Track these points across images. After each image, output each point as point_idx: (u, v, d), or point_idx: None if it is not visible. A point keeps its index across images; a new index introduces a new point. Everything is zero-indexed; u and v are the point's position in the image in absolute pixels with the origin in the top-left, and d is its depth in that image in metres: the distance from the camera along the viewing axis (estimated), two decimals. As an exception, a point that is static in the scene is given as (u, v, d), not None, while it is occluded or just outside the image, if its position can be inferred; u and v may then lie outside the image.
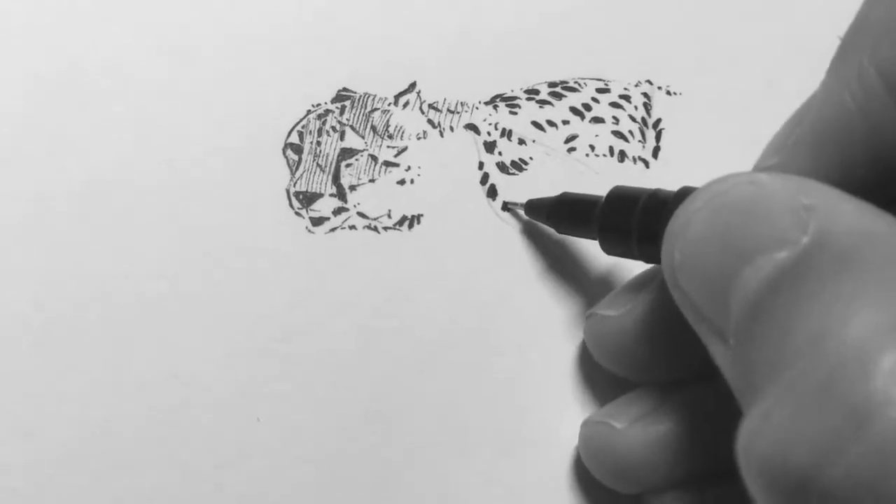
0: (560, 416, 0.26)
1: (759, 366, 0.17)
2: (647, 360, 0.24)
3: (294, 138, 0.28)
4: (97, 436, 0.24)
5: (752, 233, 0.18)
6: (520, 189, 0.28)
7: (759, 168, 0.23)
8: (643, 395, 0.24)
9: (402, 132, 0.29)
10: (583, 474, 0.26)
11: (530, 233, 0.28)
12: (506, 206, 0.28)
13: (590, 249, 0.28)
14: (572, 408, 0.27)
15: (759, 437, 0.16)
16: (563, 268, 0.28)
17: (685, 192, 0.22)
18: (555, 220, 0.26)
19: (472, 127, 0.29)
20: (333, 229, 0.27)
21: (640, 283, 0.25)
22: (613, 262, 0.28)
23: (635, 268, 0.26)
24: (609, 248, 0.24)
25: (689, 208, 0.20)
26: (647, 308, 0.24)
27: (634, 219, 0.23)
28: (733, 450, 0.22)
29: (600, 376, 0.26)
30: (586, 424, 0.25)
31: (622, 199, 0.24)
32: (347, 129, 0.28)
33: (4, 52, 0.28)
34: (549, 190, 0.27)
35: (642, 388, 0.25)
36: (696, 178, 0.29)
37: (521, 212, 0.28)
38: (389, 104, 0.29)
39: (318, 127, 0.28)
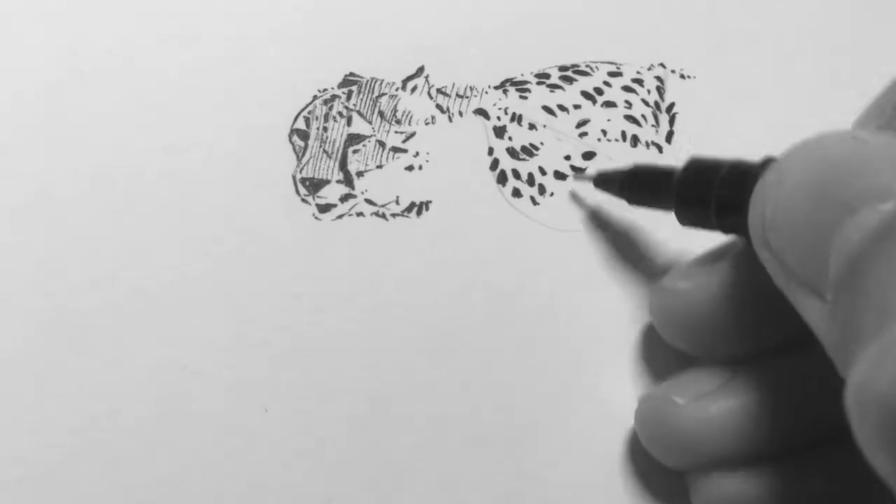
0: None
1: (864, 316, 0.17)
2: (716, 336, 0.24)
3: (300, 124, 0.28)
4: (104, 426, 0.24)
5: (854, 185, 0.18)
6: (528, 173, 0.28)
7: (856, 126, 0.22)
8: (706, 372, 0.24)
9: (410, 117, 0.28)
10: (634, 450, 0.25)
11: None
12: (575, 178, 0.28)
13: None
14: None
15: (876, 380, 0.16)
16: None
17: (770, 160, 0.21)
18: (629, 191, 0.26)
19: (481, 112, 0.28)
20: (341, 216, 0.27)
21: (712, 257, 0.24)
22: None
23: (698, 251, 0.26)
24: (685, 218, 0.24)
25: (783, 164, 0.20)
26: (720, 282, 0.23)
27: (715, 187, 0.22)
28: (800, 431, 0.22)
29: (660, 351, 0.26)
30: (646, 399, 0.25)
31: (701, 167, 0.23)
32: (354, 115, 0.28)
33: (6, 41, 0.27)
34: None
35: (705, 364, 0.24)
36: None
37: (590, 183, 0.27)
38: (397, 89, 0.28)
39: (324, 112, 0.28)
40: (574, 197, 0.28)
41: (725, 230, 0.23)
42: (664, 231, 0.27)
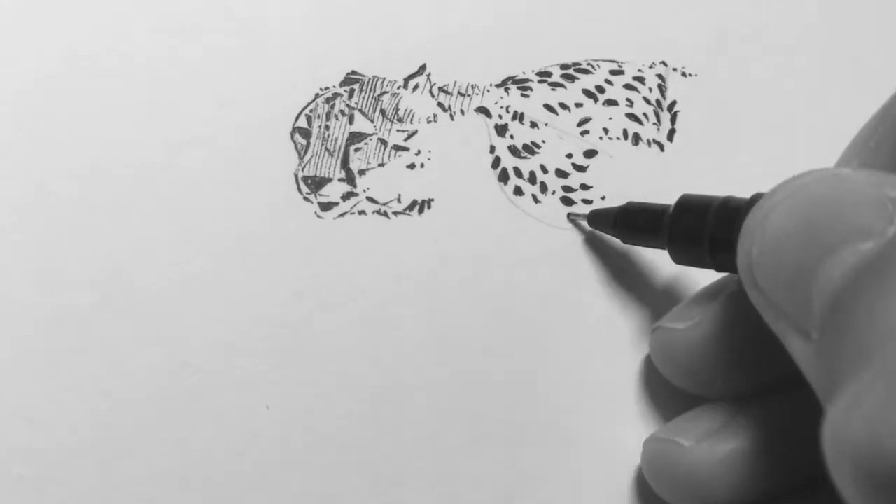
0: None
1: (844, 356, 0.17)
2: (715, 374, 0.24)
3: (302, 122, 0.28)
4: (105, 423, 0.24)
5: (835, 224, 0.18)
6: (530, 171, 0.28)
7: (840, 165, 0.22)
8: (710, 412, 0.24)
9: (412, 116, 0.28)
10: (644, 492, 0.25)
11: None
12: (570, 217, 0.28)
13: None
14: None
15: (848, 426, 0.16)
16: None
17: (758, 197, 0.21)
18: (621, 230, 0.26)
19: (483, 110, 0.28)
20: (342, 214, 0.27)
21: (708, 294, 0.25)
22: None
23: (702, 280, 0.26)
24: (679, 258, 0.24)
25: (767, 204, 0.20)
26: (717, 320, 0.23)
27: (707, 226, 0.23)
28: (804, 467, 0.22)
29: (663, 391, 0.26)
30: (651, 441, 0.25)
31: (692, 206, 0.23)
32: (356, 113, 0.28)
33: (5, 38, 0.27)
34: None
35: (709, 404, 0.24)
36: (712, 162, 0.29)
37: (585, 223, 0.27)
38: (399, 87, 0.28)
39: (326, 111, 0.28)
40: (573, 222, 0.28)
41: (720, 269, 0.23)
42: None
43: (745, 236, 0.20)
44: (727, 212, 0.22)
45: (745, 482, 0.23)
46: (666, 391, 0.26)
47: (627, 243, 0.26)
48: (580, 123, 0.29)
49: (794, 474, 0.23)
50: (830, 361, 0.17)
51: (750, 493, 0.23)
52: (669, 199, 0.27)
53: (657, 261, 0.27)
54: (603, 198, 0.28)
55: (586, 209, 0.27)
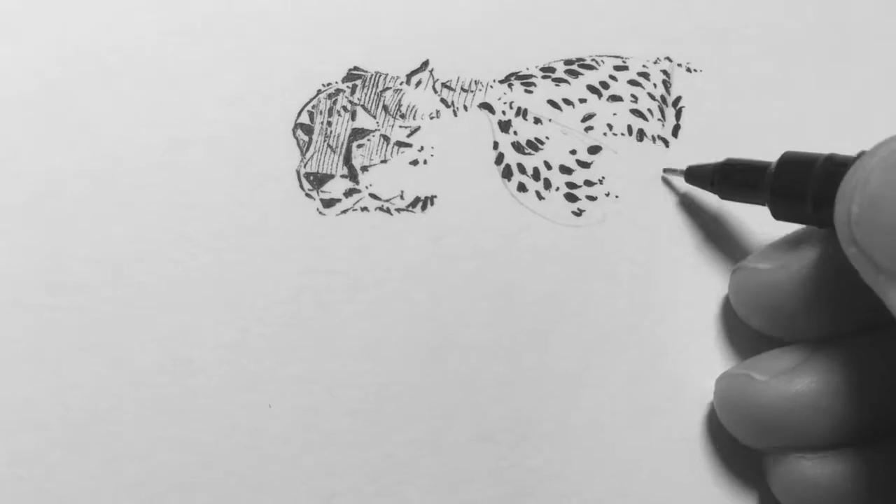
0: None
1: None
2: (796, 316, 0.24)
3: (304, 118, 0.27)
4: (108, 422, 0.24)
5: None
6: (533, 168, 0.28)
7: None
8: (787, 351, 0.24)
9: (415, 112, 0.28)
10: (714, 429, 0.25)
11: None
12: (665, 172, 0.28)
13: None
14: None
15: None
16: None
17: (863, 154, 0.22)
18: (720, 186, 0.26)
19: (486, 106, 0.28)
20: (345, 211, 0.27)
21: (795, 240, 0.25)
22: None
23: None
24: (780, 213, 0.24)
25: (866, 163, 0.20)
26: (803, 264, 0.24)
27: (811, 182, 0.23)
28: (880, 414, 0.22)
29: (738, 334, 0.26)
30: (725, 376, 0.25)
31: (796, 162, 0.24)
32: (359, 109, 0.28)
33: (8, 38, 0.27)
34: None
35: (785, 346, 0.24)
36: (717, 158, 0.29)
37: (680, 178, 0.27)
38: (401, 83, 0.28)
39: (328, 107, 0.28)
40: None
41: (822, 224, 0.23)
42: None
43: (845, 194, 0.21)
44: (832, 167, 0.23)
45: (817, 422, 0.23)
46: (742, 335, 0.26)
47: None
48: (584, 119, 0.29)
49: (869, 420, 0.23)
50: None
51: (820, 434, 0.23)
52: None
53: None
54: (607, 194, 0.28)
55: (682, 165, 0.27)
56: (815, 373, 0.23)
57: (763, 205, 0.25)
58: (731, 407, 0.24)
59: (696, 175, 0.27)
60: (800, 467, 0.23)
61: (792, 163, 0.24)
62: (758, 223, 0.27)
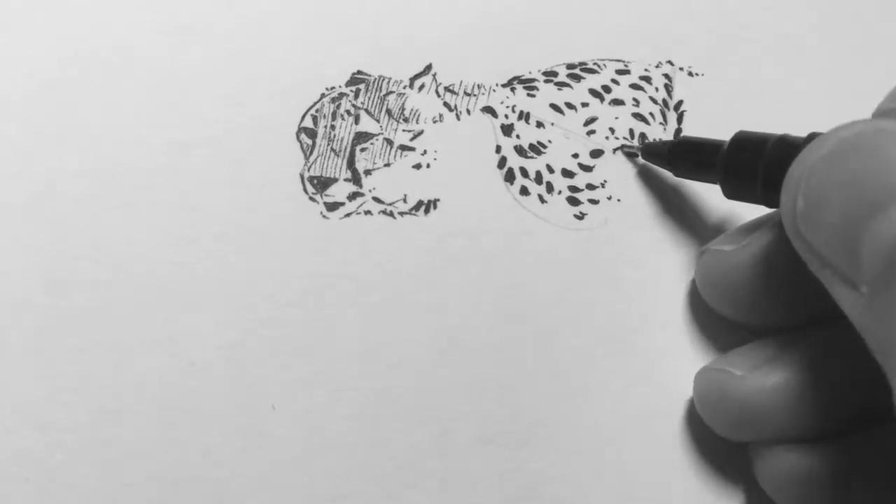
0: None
1: None
2: (763, 300, 0.24)
3: (308, 122, 0.27)
4: (110, 424, 0.24)
5: (881, 181, 0.18)
6: (536, 171, 0.28)
7: (880, 112, 0.22)
8: (763, 344, 0.24)
9: (418, 115, 0.28)
10: (693, 423, 0.26)
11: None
12: (623, 149, 0.28)
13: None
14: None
15: None
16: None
17: (814, 137, 0.22)
18: (674, 163, 0.26)
19: (489, 110, 0.28)
20: (348, 214, 0.27)
21: (758, 223, 0.25)
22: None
23: (748, 216, 0.26)
24: (731, 193, 0.24)
25: (811, 155, 0.20)
26: (766, 245, 0.24)
27: (762, 162, 0.23)
28: (856, 402, 0.22)
29: (712, 327, 0.26)
30: (703, 372, 0.25)
31: (748, 142, 0.24)
32: (362, 113, 0.28)
33: (10, 37, 0.27)
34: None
35: (761, 338, 0.24)
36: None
37: (638, 156, 0.28)
38: (405, 87, 0.28)
39: (332, 111, 0.28)
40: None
41: (771, 205, 0.23)
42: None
43: (790, 185, 0.20)
44: (783, 148, 0.23)
45: (796, 413, 0.23)
46: (716, 328, 0.26)
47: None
48: (586, 123, 0.29)
49: (847, 408, 0.23)
50: (887, 317, 0.18)
51: (801, 426, 0.23)
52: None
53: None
54: (609, 198, 0.28)
55: (638, 142, 0.28)
56: (789, 365, 0.23)
57: (716, 183, 0.25)
58: (710, 402, 0.24)
59: (651, 152, 0.27)
60: (785, 459, 0.23)
61: (744, 142, 0.24)
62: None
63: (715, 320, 0.27)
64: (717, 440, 0.25)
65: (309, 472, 0.24)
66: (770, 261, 0.24)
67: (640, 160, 0.28)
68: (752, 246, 0.24)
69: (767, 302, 0.24)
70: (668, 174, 0.27)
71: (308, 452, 0.25)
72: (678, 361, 0.27)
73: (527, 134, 0.28)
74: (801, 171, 0.20)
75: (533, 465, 0.25)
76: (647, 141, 0.27)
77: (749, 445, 0.25)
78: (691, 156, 0.26)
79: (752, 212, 0.25)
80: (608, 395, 0.26)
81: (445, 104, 0.28)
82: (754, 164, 0.23)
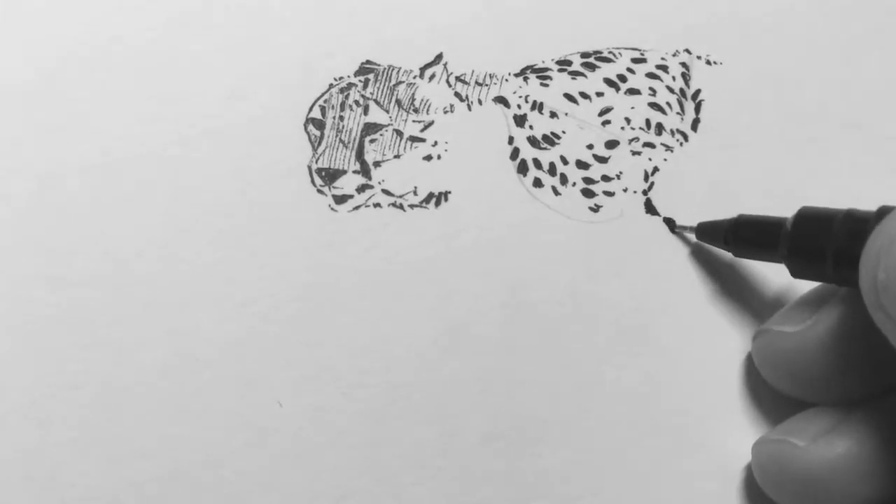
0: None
1: None
2: (826, 379, 0.24)
3: (316, 113, 0.27)
4: (114, 421, 0.24)
5: None
6: (550, 162, 0.27)
7: None
8: (822, 413, 0.24)
9: (429, 106, 0.28)
10: (755, 495, 0.25)
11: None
12: (674, 229, 0.27)
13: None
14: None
15: None
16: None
17: (885, 211, 0.21)
18: (734, 244, 0.25)
19: (501, 100, 0.28)
20: (357, 207, 0.26)
21: (818, 298, 0.24)
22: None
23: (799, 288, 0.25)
24: (799, 272, 0.24)
25: (891, 226, 0.20)
26: (830, 325, 0.23)
27: (832, 241, 0.22)
28: None
29: (765, 395, 0.26)
30: (763, 443, 0.25)
31: (813, 219, 0.23)
32: (371, 104, 0.27)
33: (15, 30, 0.27)
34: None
35: (818, 406, 0.24)
36: (737, 152, 0.28)
37: (692, 235, 0.27)
38: (415, 77, 0.28)
39: (340, 101, 0.27)
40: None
41: (844, 283, 0.23)
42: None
43: (869, 258, 0.20)
44: (853, 224, 0.22)
45: (861, 482, 0.22)
46: (769, 396, 0.26)
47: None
48: (601, 113, 0.28)
49: None
50: None
51: (865, 495, 0.23)
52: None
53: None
54: (625, 190, 0.27)
55: (693, 222, 0.27)
56: (853, 435, 0.23)
57: (780, 262, 0.24)
58: (771, 475, 0.24)
59: (707, 232, 0.26)
60: None
61: (809, 220, 0.23)
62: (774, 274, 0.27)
63: (728, 323, 0.26)
64: (726, 435, 0.25)
65: (315, 469, 0.24)
66: (838, 340, 0.23)
67: (694, 240, 0.27)
68: (817, 326, 0.23)
69: (836, 380, 0.24)
70: (723, 252, 0.27)
71: (314, 449, 0.24)
72: (692, 358, 0.26)
73: (540, 124, 0.28)
74: (881, 244, 0.20)
75: (542, 464, 0.25)
76: (701, 222, 0.26)
77: None
78: (752, 236, 0.25)
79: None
80: (619, 393, 0.26)
81: (456, 94, 0.28)
82: (822, 242, 0.23)
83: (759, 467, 0.25)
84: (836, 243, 0.22)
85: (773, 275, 0.27)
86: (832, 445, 0.23)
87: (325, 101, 0.27)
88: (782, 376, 0.25)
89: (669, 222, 0.27)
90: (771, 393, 0.25)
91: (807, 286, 0.25)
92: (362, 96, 0.27)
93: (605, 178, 0.28)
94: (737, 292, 0.27)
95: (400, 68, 0.28)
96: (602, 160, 0.28)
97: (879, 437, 0.22)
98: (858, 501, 0.23)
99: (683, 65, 0.29)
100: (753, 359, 0.26)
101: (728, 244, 0.25)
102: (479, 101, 0.28)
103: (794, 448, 0.23)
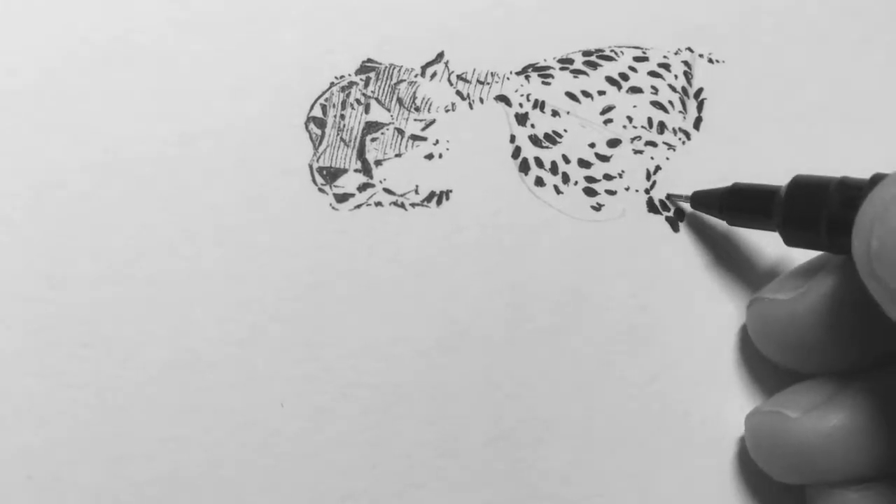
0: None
1: None
2: (819, 348, 0.24)
3: (317, 111, 0.27)
4: (115, 421, 0.24)
5: None
6: (551, 161, 0.27)
7: None
8: (816, 385, 0.24)
9: (430, 104, 0.27)
10: (746, 467, 0.25)
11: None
12: (669, 198, 0.27)
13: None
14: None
15: None
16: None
17: (878, 178, 0.21)
18: (728, 212, 0.25)
19: (503, 98, 0.28)
20: (358, 206, 0.26)
21: (812, 267, 0.24)
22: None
23: (797, 258, 0.25)
24: (793, 240, 0.24)
25: (884, 193, 0.20)
26: (823, 292, 0.23)
27: (824, 207, 0.22)
28: None
29: (760, 368, 0.26)
30: (755, 414, 0.25)
31: (807, 187, 0.23)
32: (372, 102, 0.27)
33: (16, 29, 0.27)
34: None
35: (812, 379, 0.24)
36: (740, 151, 0.28)
37: (686, 204, 0.27)
38: (416, 75, 0.28)
39: (341, 100, 0.27)
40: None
41: (837, 251, 0.23)
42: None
43: (863, 226, 0.20)
44: (846, 192, 0.22)
45: (853, 455, 0.22)
46: (764, 369, 0.26)
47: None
48: (603, 112, 0.28)
49: None
50: None
51: (861, 466, 0.22)
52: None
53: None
54: (627, 188, 0.27)
55: (687, 191, 0.27)
56: (847, 406, 0.23)
57: (774, 231, 0.24)
58: (765, 445, 0.24)
59: (702, 201, 0.26)
60: (845, 500, 0.23)
61: (803, 188, 0.23)
62: (771, 244, 0.27)
63: (730, 317, 0.26)
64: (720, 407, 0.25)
65: (317, 470, 0.24)
66: (831, 308, 0.23)
67: (689, 209, 0.27)
68: (810, 294, 0.23)
69: (825, 351, 0.23)
70: (718, 221, 0.27)
71: (317, 450, 0.24)
72: (696, 357, 0.26)
73: (542, 123, 0.28)
74: (874, 211, 0.20)
75: (546, 465, 0.25)
76: (696, 191, 0.26)
77: (806, 487, 0.24)
78: (746, 204, 0.25)
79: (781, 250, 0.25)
80: (624, 392, 0.26)
81: (458, 93, 0.28)
82: (816, 210, 0.23)
83: (752, 439, 0.24)
84: (830, 211, 0.22)
85: (767, 245, 0.27)
86: (825, 417, 0.23)
87: (326, 100, 0.27)
88: (775, 345, 0.25)
89: (668, 196, 0.27)
90: (765, 365, 0.25)
91: (802, 256, 0.25)
92: (363, 95, 0.27)
93: (607, 177, 0.27)
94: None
95: (401, 67, 0.28)
96: (604, 159, 0.28)
97: (873, 410, 0.22)
98: (851, 473, 0.23)
99: (685, 63, 0.29)
100: (748, 328, 0.26)
101: (722, 212, 0.26)
102: (481, 100, 0.28)
103: (787, 420, 0.23)
